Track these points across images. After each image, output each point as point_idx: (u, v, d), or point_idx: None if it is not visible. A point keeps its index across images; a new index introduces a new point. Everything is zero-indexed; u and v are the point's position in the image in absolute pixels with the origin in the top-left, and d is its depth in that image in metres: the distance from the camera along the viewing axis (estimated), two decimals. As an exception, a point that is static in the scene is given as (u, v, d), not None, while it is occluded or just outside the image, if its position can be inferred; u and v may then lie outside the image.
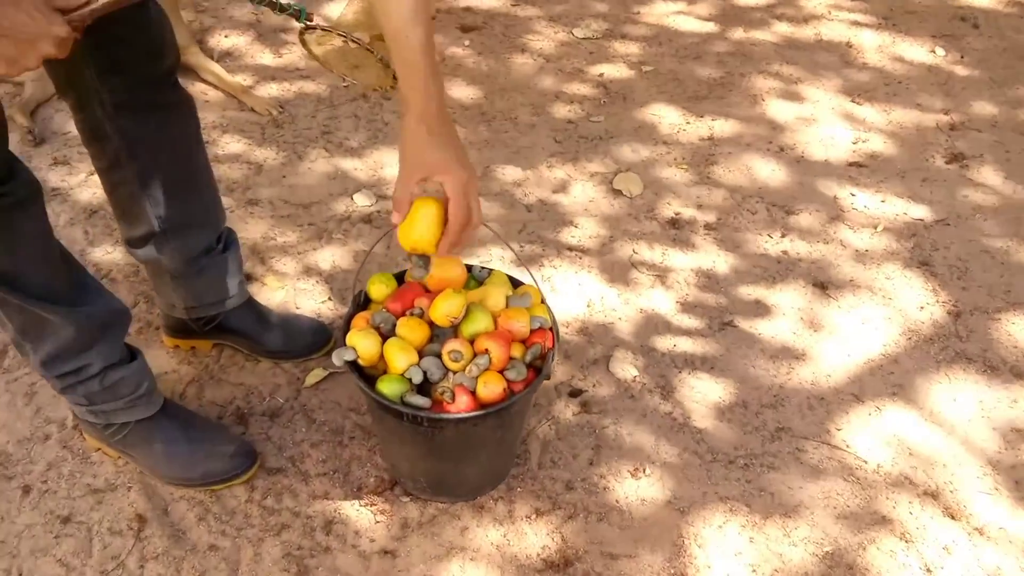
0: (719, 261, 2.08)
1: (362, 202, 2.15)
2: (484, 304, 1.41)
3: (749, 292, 2.00)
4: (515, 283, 1.52)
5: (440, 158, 1.09)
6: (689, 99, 2.69)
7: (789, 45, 3.04)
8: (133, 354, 1.43)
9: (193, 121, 1.45)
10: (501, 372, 1.34)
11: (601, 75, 2.77)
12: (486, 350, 1.32)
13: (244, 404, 1.64)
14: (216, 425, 1.53)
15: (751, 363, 1.82)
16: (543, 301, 1.45)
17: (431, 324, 1.39)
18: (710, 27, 3.12)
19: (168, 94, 1.37)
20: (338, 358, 1.32)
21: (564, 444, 1.62)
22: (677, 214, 2.21)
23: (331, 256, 1.99)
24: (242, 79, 2.55)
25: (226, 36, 2.77)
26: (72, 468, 1.51)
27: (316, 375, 1.69)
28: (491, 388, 1.31)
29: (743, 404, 1.73)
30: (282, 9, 1.17)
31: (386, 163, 2.29)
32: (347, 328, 1.40)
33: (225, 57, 2.67)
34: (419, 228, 1.16)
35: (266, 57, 2.68)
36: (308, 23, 1.22)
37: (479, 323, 1.36)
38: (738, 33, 3.09)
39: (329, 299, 1.88)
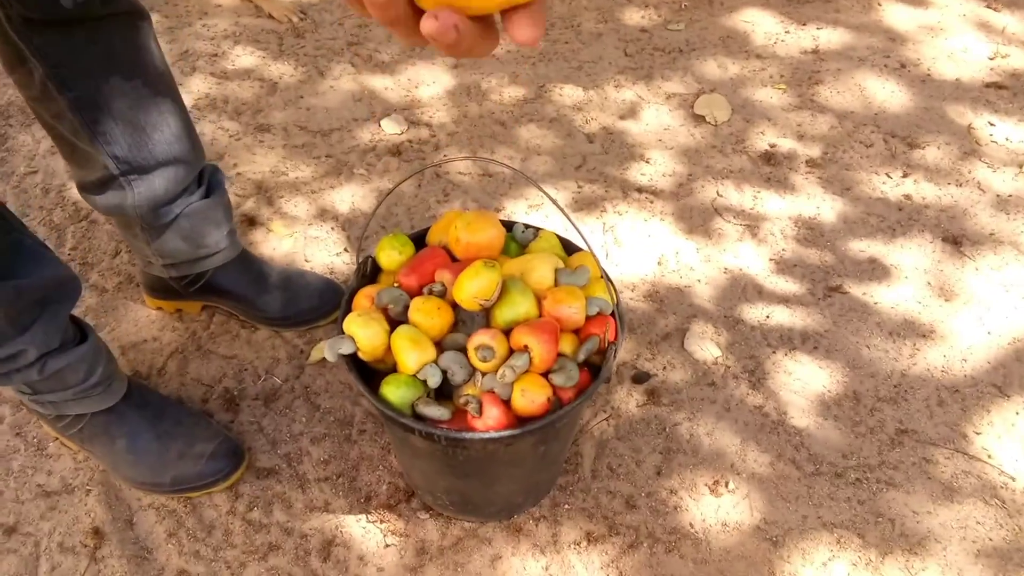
0: (824, 207, 1.69)
1: (391, 129, 1.80)
2: (526, 280, 1.07)
3: (862, 248, 1.61)
4: (569, 248, 1.18)
5: None
6: (789, 3, 2.24)
7: (910, -64, 2.54)
8: (83, 333, 1.13)
9: (141, 33, 1.11)
10: (545, 375, 1.01)
11: (682, -27, 2.33)
12: (526, 346, 0.99)
13: (235, 384, 1.34)
14: (194, 415, 1.24)
15: (864, 341, 1.46)
16: (604, 276, 1.10)
17: (455, 306, 1.06)
18: (814, -85, 2.62)
19: (98, 3, 1.03)
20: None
21: (625, 446, 1.29)
22: (772, 146, 1.81)
23: (350, 196, 1.66)
24: (261, -21, 2.19)
25: (246, -72, 2.39)
26: (23, 463, 1.25)
27: (321, 350, 1.38)
28: (531, 397, 0.98)
29: (854, 397, 1.37)
30: None
31: (422, 81, 1.93)
32: (347, 308, 1.08)
33: (244, -47, 2.30)
34: None
35: (290, -48, 2.30)
36: None
37: (518, 307, 1.02)
38: (848, -78, 2.59)
39: (345, 250, 1.56)
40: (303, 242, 1.57)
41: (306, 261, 1.54)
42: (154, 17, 2.05)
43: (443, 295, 1.06)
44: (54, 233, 1.55)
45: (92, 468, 1.24)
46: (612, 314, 1.07)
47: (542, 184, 1.70)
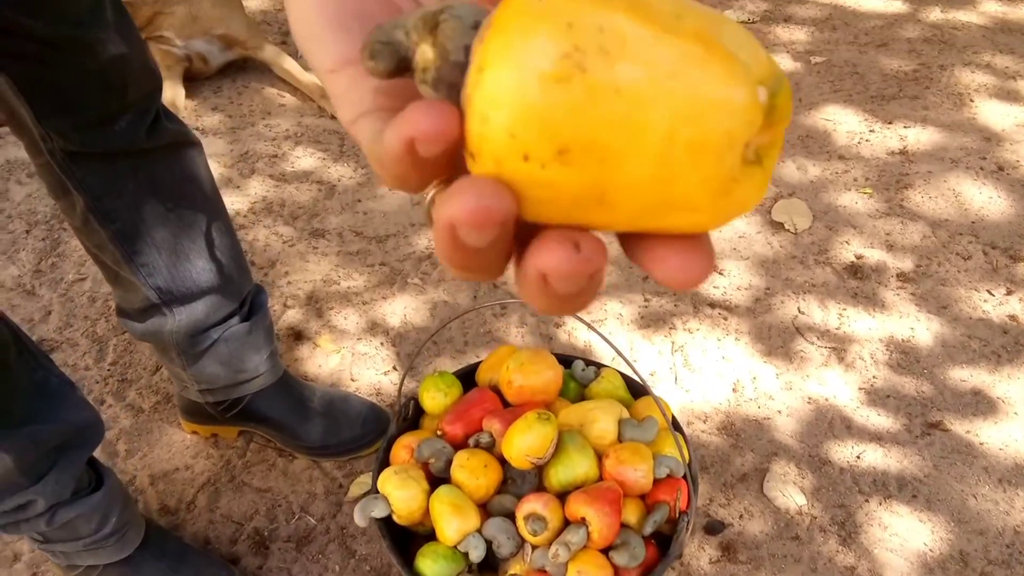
0: (919, 328, 1.53)
1: (449, 235, 1.71)
2: (585, 433, 0.95)
3: (964, 377, 1.45)
4: (635, 389, 1.06)
5: None
6: (873, 99, 2.12)
7: (1001, 28, 2.40)
8: (99, 478, 1.04)
9: (188, 163, 1.05)
10: (605, 552, 0.88)
11: (758, 69, 2.23)
12: (583, 518, 0.86)
13: (266, 523, 1.24)
14: (217, 564, 1.13)
15: (971, 490, 1.28)
16: (675, 426, 0.98)
17: (504, 461, 0.94)
18: (898, 6, 2.51)
19: (143, 136, 0.98)
20: (362, 513, 0.90)
21: (697, 612, 1.14)
22: (859, 257, 1.67)
23: (403, 308, 1.57)
24: (325, 77, 2.17)
25: (313, 25, 2.39)
26: (39, 607, 1.16)
27: (362, 485, 1.27)
28: (588, 578, 0.85)
29: (961, 558, 1.20)
30: None
31: (484, 183, 1.85)
32: (384, 460, 0.98)
33: (310, 50, 2.29)
34: None
35: (356, 50, 2.28)
36: None
37: (576, 467, 0.90)
38: (934, 14, 2.47)
39: (394, 368, 1.46)
40: (350, 359, 1.48)
41: (352, 380, 1.44)
42: (217, 118, 2.03)
43: (491, 448, 0.95)
44: (96, 346, 1.50)
45: (110, 616, 1.14)
46: (684, 476, 0.93)
47: (606, 299, 1.58)
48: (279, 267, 1.65)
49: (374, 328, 1.54)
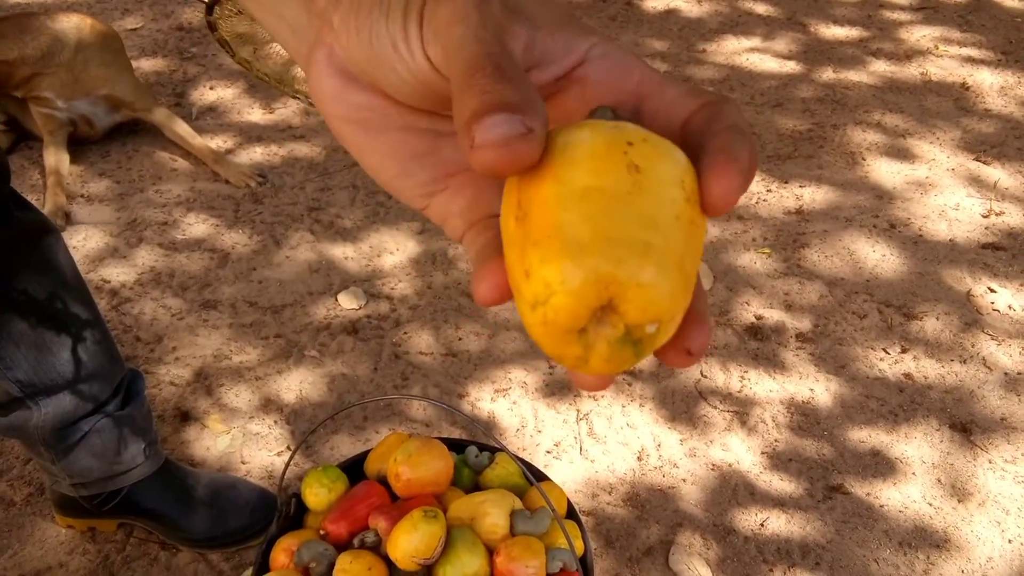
0: (819, 389, 1.54)
1: (348, 304, 1.66)
2: (476, 527, 0.91)
3: (863, 438, 1.46)
4: (535, 475, 1.02)
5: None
6: (769, 159, 2.16)
7: (891, 88, 2.50)
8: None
9: (45, 250, 0.99)
10: (495, 657, 0.83)
11: (659, 129, 2.26)
12: (470, 622, 0.82)
13: (146, 628, 1.15)
14: None
15: (872, 554, 1.28)
16: (570, 515, 0.95)
17: (390, 563, 0.89)
18: (792, 67, 2.59)
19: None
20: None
21: None
22: (759, 318, 1.69)
23: (298, 383, 1.50)
24: (222, 141, 2.11)
25: (211, 88, 2.33)
26: None
27: (251, 581, 1.20)
28: None
29: (866, 628, 1.19)
30: None
31: (385, 248, 1.81)
32: (262, 565, 0.92)
33: (207, 113, 2.23)
34: None
35: (254, 113, 2.23)
36: None
37: (465, 567, 0.86)
38: (827, 74, 2.56)
39: (288, 448, 1.40)
40: (241, 440, 1.41)
41: (243, 463, 1.37)
42: (104, 183, 1.95)
43: (377, 547, 0.90)
44: (-39, 436, 1.39)
45: None
46: (578, 569, 0.90)
47: (510, 366, 1.55)
48: (166, 342, 1.58)
49: (267, 405, 1.47)
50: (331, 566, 0.88)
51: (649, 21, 2.83)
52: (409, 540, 0.83)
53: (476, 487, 1.01)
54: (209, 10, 0.70)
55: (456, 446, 1.03)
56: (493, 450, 1.04)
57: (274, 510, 1.24)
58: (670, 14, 2.89)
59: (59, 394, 1.06)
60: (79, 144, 2.00)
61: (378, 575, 0.86)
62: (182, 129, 1.98)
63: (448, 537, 0.88)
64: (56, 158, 1.88)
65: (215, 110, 2.24)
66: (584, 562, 0.91)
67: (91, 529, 1.26)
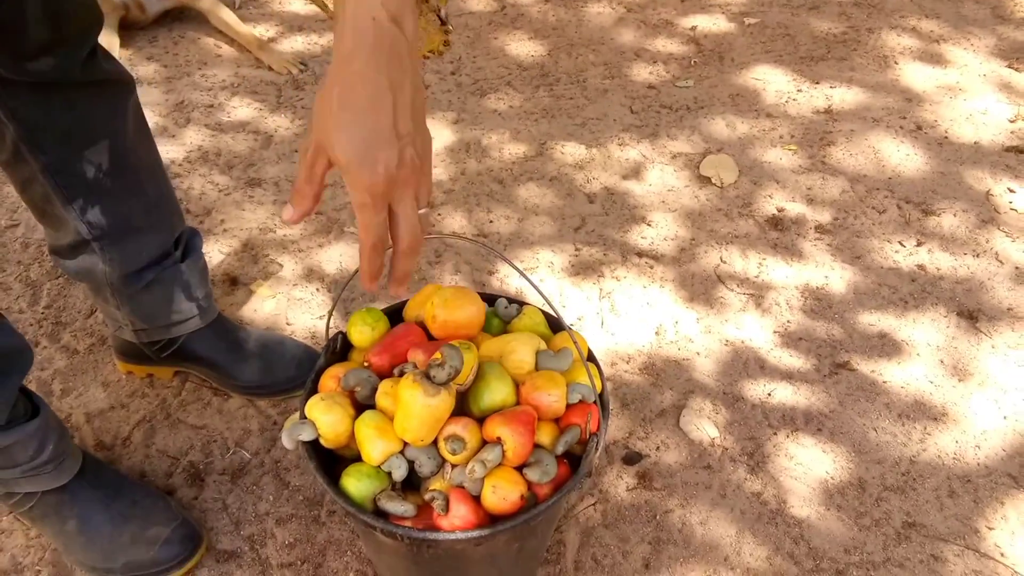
0: (833, 276, 1.61)
1: (386, 185, 1.74)
2: (505, 363, 1.00)
3: (872, 322, 1.53)
4: (555, 325, 1.11)
5: (339, 141, 0.64)
6: (802, 60, 2.19)
7: (928, -6, 2.49)
8: (35, 407, 1.07)
9: (122, 101, 1.07)
10: (520, 469, 0.93)
11: (693, 29, 2.28)
12: (498, 438, 0.92)
13: (202, 457, 1.28)
14: (152, 495, 1.17)
15: (872, 424, 1.37)
16: (590, 359, 1.04)
17: (426, 390, 0.99)
18: (830, -30, 2.58)
19: (78, 69, 0.99)
20: (290, 436, 0.94)
21: (612, 535, 1.21)
22: (780, 210, 1.75)
23: (339, 255, 1.60)
24: (264, 29, 2.17)
25: (253, -23, 2.38)
26: (-25, 539, 1.18)
27: (295, 421, 1.31)
28: (503, 494, 0.91)
29: (859, 485, 1.28)
30: None
31: (421, 135, 1.88)
32: (312, 389, 1.02)
33: (250, 2, 2.28)
34: None
35: (296, 3, 2.28)
36: None
37: (494, 394, 0.95)
38: (865, -22, 2.54)
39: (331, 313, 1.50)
40: (286, 304, 1.51)
41: (287, 324, 1.48)
42: (152, 67, 2.02)
43: (415, 377, 0.99)
44: (29, 290, 1.51)
45: (44, 546, 1.17)
46: (596, 402, 0.99)
47: (539, 247, 1.64)
48: (215, 215, 1.67)
49: (310, 275, 1.57)
50: (374, 390, 0.98)
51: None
52: (444, 367, 0.93)
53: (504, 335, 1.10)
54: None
55: (487, 299, 1.12)
56: (520, 303, 1.13)
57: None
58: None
59: (124, 241, 1.15)
60: (128, 28, 2.07)
61: (415, 398, 0.96)
62: (228, 16, 2.04)
63: (479, 370, 0.97)
64: (107, 40, 1.95)
65: (256, 0, 2.30)
66: (601, 398, 1.00)
67: (149, 376, 1.38)
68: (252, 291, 1.53)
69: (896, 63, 2.19)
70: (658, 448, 1.32)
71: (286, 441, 0.94)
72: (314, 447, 0.96)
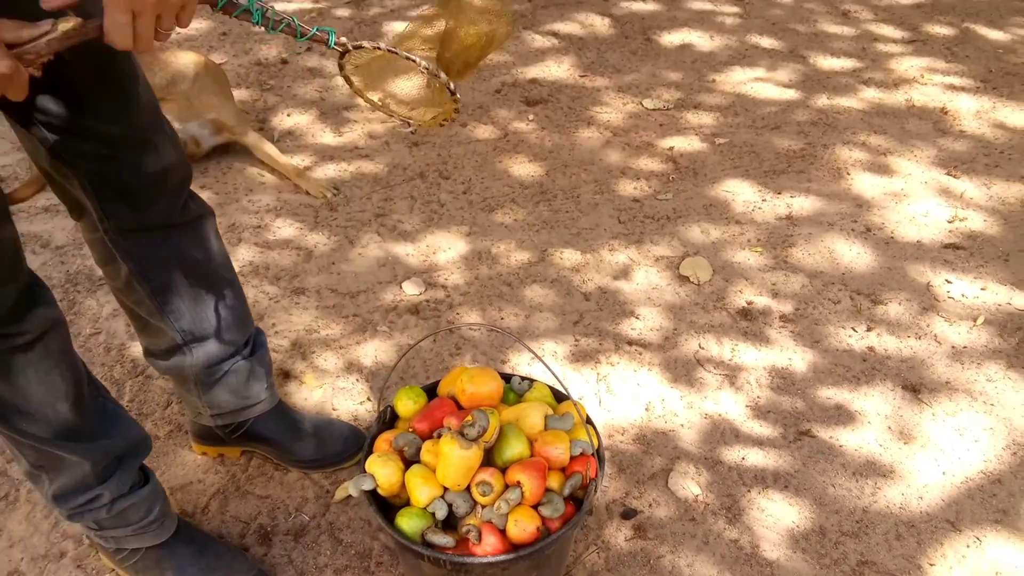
0: (796, 358, 1.89)
1: (411, 291, 2.04)
2: (520, 425, 1.27)
3: (829, 396, 1.80)
4: (559, 396, 1.38)
5: None
6: (766, 173, 2.52)
7: (877, 112, 2.85)
8: (146, 477, 1.33)
9: (207, 230, 1.36)
10: (535, 507, 1.19)
11: (671, 149, 2.63)
12: (518, 482, 1.18)
13: (268, 521, 1.53)
14: (233, 551, 1.42)
15: (831, 481, 1.62)
16: (588, 422, 1.30)
17: (460, 449, 1.25)
18: (791, 94, 2.95)
19: (178, 213, 1.28)
20: (355, 487, 1.20)
21: (614, 576, 1.45)
22: (749, 303, 2.04)
23: (374, 351, 1.88)
24: (300, 159, 2.51)
25: (288, 115, 2.74)
26: (84, 590, 1.43)
27: (345, 490, 1.57)
28: (523, 526, 1.16)
29: (820, 531, 1.53)
30: (303, 35, 0.96)
31: (440, 247, 2.19)
32: (368, 450, 1.28)
33: (286, 136, 2.64)
34: None
35: (327, 136, 2.64)
36: (342, 46, 1.00)
37: (513, 448, 1.22)
38: (822, 100, 2.91)
39: (368, 399, 1.77)
40: (331, 392, 1.78)
41: (333, 409, 1.75)
42: (206, 194, 2.35)
43: (450, 439, 1.26)
44: (114, 387, 1.78)
45: (143, 595, 1.41)
46: (594, 454, 1.26)
47: (544, 339, 1.92)
48: (267, 319, 1.96)
49: (350, 367, 1.85)
50: (418, 450, 1.24)
51: (665, 54, 3.21)
52: (474, 429, 1.20)
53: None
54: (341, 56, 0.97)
55: (504, 377, 1.40)
56: (531, 380, 1.40)
57: (363, 441, 1.61)
58: (685, 48, 3.26)
59: (208, 341, 1.43)
60: (185, 162, 2.41)
61: (452, 455, 1.22)
62: (270, 149, 2.38)
63: (501, 431, 1.24)
64: (169, 174, 2.28)
65: (293, 134, 2.65)
66: (598, 452, 1.27)
67: (220, 455, 1.64)
68: (302, 382, 1.81)
69: (848, 174, 2.52)
70: (650, 505, 1.57)
71: (352, 490, 1.20)
72: (372, 495, 1.22)
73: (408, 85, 1.24)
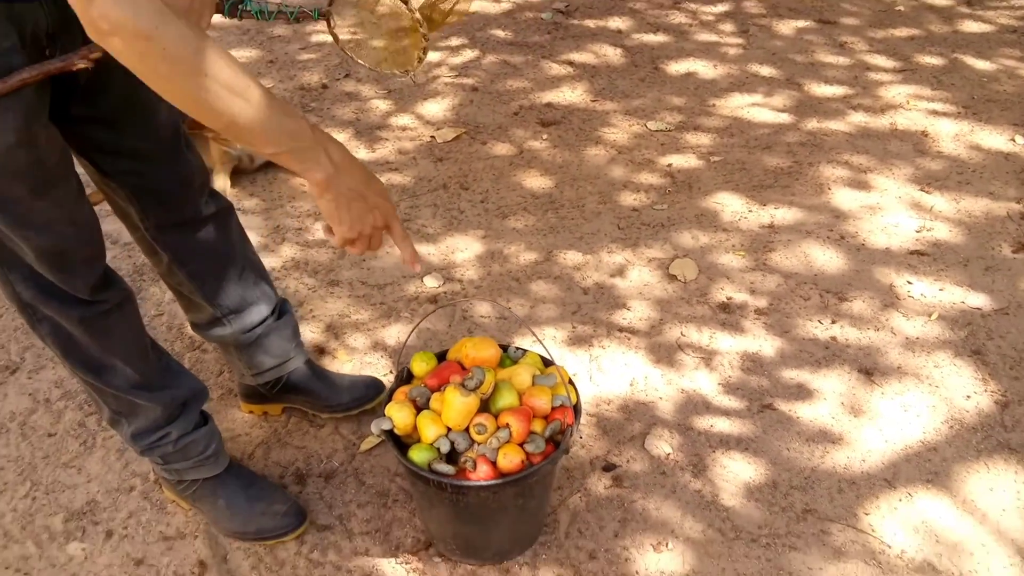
0: (765, 345, 2.15)
1: (431, 284, 2.34)
2: (512, 381, 1.55)
3: (792, 376, 2.06)
4: (547, 363, 1.66)
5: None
6: (754, 188, 2.79)
7: (862, 135, 3.11)
8: (205, 419, 1.63)
9: (232, 223, 1.65)
10: (521, 445, 1.47)
11: (669, 165, 2.91)
12: (507, 424, 1.46)
13: (304, 466, 1.82)
14: (274, 486, 1.71)
15: (786, 445, 1.88)
16: (570, 382, 1.58)
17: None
18: (784, 118, 3.22)
19: (202, 209, 1.56)
20: (376, 427, 1.49)
21: (592, 516, 1.72)
22: (729, 299, 2.31)
23: (397, 333, 2.18)
24: (336, 171, 2.83)
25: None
26: (149, 517, 1.73)
27: (370, 441, 1.86)
28: (510, 459, 1.44)
29: (773, 484, 1.79)
30: (297, 19, 1.28)
31: (458, 248, 2.49)
32: (388, 400, 1.58)
33: (324, 151, 2.96)
34: None
35: (361, 152, 2.96)
36: (325, 14, 1.30)
37: (505, 399, 1.50)
38: (811, 124, 3.18)
39: (390, 372, 2.07)
40: (360, 366, 2.08)
41: (362, 380, 2.04)
42: (255, 201, 2.68)
43: (454, 391, 1.54)
44: (176, 359, 2.09)
45: (198, 522, 1.71)
46: (571, 407, 1.54)
47: (545, 325, 2.20)
48: (305, 305, 2.27)
49: (376, 346, 2.14)
50: (428, 400, 1.53)
51: (671, 81, 3.50)
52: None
53: (514, 369, 1.65)
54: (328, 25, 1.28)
55: (501, 347, 1.68)
56: (524, 351, 1.69)
57: (381, 388, 1.91)
58: (689, 76, 3.55)
59: (242, 312, 1.71)
60: (237, 174, 2.74)
61: (455, 402, 1.51)
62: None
63: (496, 386, 1.52)
64: (222, 182, 2.62)
65: (330, 150, 2.97)
66: (575, 406, 1.55)
67: (264, 413, 1.94)
68: (335, 357, 2.11)
69: (829, 189, 2.79)
70: (628, 461, 1.84)
71: (374, 429, 1.49)
72: (390, 434, 1.51)
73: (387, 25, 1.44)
